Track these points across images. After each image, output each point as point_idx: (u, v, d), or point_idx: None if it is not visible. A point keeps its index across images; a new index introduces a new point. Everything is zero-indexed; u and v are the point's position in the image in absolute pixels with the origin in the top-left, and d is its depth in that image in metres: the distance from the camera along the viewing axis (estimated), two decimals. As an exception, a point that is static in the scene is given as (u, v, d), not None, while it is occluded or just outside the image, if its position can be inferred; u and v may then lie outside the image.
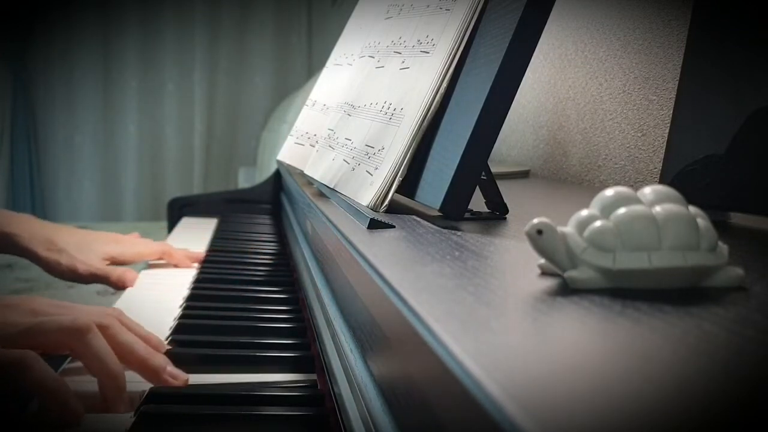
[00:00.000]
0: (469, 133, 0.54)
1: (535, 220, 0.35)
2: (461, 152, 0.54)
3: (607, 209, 0.35)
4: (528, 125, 1.28)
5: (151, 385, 0.57)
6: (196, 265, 1.04)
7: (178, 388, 0.57)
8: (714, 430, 0.19)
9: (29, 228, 0.93)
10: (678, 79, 0.68)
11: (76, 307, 0.62)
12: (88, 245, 0.95)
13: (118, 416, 0.53)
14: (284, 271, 1.01)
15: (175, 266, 1.03)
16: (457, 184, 0.55)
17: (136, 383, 0.58)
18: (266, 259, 1.08)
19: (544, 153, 1.20)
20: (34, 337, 0.54)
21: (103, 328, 0.58)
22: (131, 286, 0.93)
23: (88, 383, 0.56)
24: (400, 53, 0.71)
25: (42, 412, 0.51)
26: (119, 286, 0.92)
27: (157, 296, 0.87)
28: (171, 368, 0.59)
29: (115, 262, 1.00)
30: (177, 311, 0.78)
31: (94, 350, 0.55)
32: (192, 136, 3.36)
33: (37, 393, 0.51)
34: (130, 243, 1.04)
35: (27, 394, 0.52)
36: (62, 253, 0.91)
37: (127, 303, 0.85)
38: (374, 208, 0.60)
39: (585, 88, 1.06)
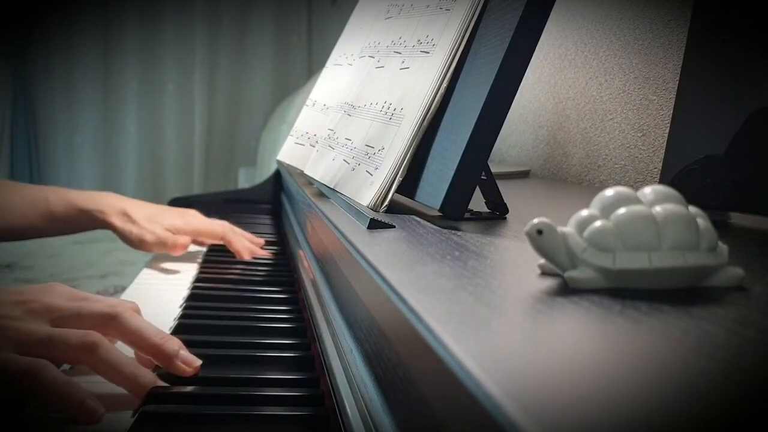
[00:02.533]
0: (469, 133, 0.54)
1: (535, 220, 0.35)
2: (461, 152, 0.54)
3: (607, 209, 0.35)
4: (528, 125, 1.28)
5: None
6: (260, 252, 1.09)
7: (177, 388, 0.57)
8: (714, 430, 0.19)
9: (108, 203, 1.06)
10: (678, 79, 0.68)
11: (90, 297, 0.62)
12: (156, 217, 1.07)
13: (118, 416, 0.53)
14: (284, 271, 1.01)
15: (236, 253, 1.07)
16: (457, 184, 0.55)
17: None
18: (266, 259, 1.08)
19: (544, 153, 1.20)
20: (46, 351, 0.55)
21: (115, 317, 0.59)
22: (180, 252, 1.04)
23: (98, 383, 0.56)
24: (400, 53, 0.71)
25: (43, 412, 0.51)
26: (172, 251, 1.04)
27: (157, 296, 0.87)
28: (184, 353, 0.59)
29: (177, 233, 1.07)
30: (177, 311, 0.78)
31: (106, 363, 0.56)
32: (192, 136, 3.36)
33: (50, 399, 0.52)
34: (193, 218, 1.11)
35: (38, 399, 0.52)
36: (135, 225, 1.04)
37: (127, 303, 0.85)
38: (374, 208, 0.60)
39: (585, 88, 1.06)
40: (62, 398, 0.52)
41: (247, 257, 1.06)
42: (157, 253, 1.06)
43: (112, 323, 0.59)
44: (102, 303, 0.62)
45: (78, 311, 0.59)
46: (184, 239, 1.05)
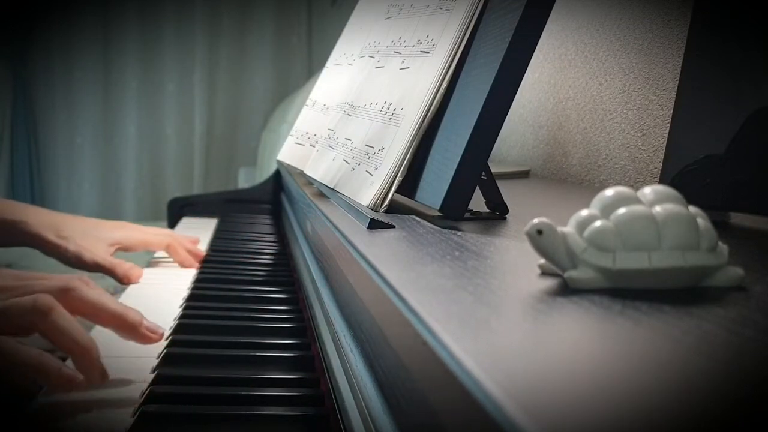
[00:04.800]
0: (469, 133, 0.54)
1: (535, 220, 0.35)
2: (461, 152, 0.54)
3: (607, 209, 0.35)
4: (528, 125, 1.28)
5: (151, 385, 0.57)
6: (196, 265, 1.04)
7: (177, 388, 0.57)
8: (714, 430, 0.19)
9: (37, 215, 0.93)
10: (678, 79, 0.68)
11: (40, 276, 0.60)
12: (94, 232, 0.96)
13: (118, 416, 0.53)
14: (284, 271, 1.00)
15: (179, 263, 1.03)
16: (457, 184, 0.55)
17: (138, 383, 0.58)
18: (266, 259, 1.08)
19: (544, 153, 1.20)
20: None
21: (70, 290, 0.57)
22: (136, 282, 0.93)
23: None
24: (400, 53, 0.71)
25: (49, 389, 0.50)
26: (124, 282, 0.93)
27: (157, 296, 0.87)
28: (147, 322, 0.58)
29: (122, 248, 1.00)
30: (177, 311, 0.78)
31: (60, 327, 0.53)
32: (192, 136, 3.35)
33: (27, 372, 0.50)
34: (137, 229, 1.04)
35: (18, 376, 0.51)
36: (69, 240, 0.92)
37: (126, 303, 0.85)
38: (374, 208, 0.60)
39: (585, 88, 1.06)
40: (39, 369, 0.50)
41: (191, 265, 1.02)
42: (94, 273, 0.94)
43: (69, 296, 0.57)
44: (54, 278, 0.59)
45: (31, 287, 0.57)
46: (137, 270, 0.94)
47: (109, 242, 0.97)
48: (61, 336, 0.53)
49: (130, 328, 0.57)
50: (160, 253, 1.10)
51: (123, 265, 0.93)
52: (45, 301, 0.53)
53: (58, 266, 0.95)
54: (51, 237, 0.91)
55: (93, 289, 0.59)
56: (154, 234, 1.04)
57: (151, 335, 0.58)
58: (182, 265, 1.03)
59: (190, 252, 1.04)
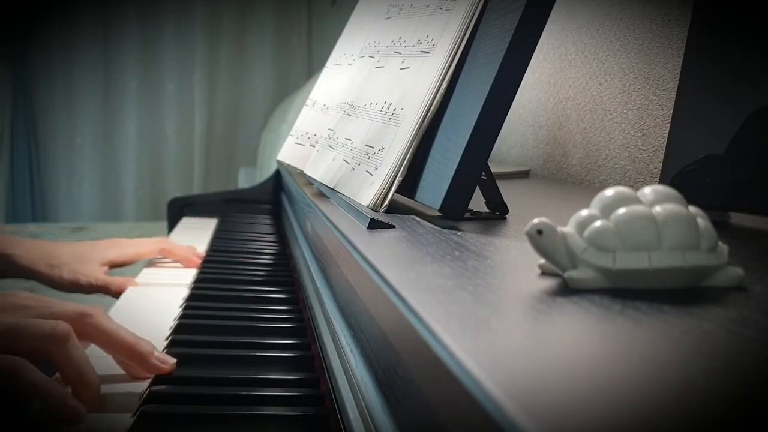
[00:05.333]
0: (469, 133, 0.54)
1: (535, 220, 0.35)
2: (461, 152, 0.54)
3: (607, 209, 0.35)
4: (528, 125, 1.28)
5: (151, 385, 0.57)
6: (197, 262, 1.04)
7: (177, 388, 0.57)
8: (714, 430, 0.19)
9: (27, 247, 0.94)
10: (678, 79, 0.68)
11: (58, 303, 0.61)
12: (86, 256, 0.96)
13: (118, 416, 0.53)
14: (284, 271, 1.00)
15: (179, 262, 1.04)
16: (457, 184, 0.55)
17: (137, 384, 0.58)
18: (266, 259, 1.08)
19: (544, 153, 1.20)
20: (13, 340, 0.53)
21: (88, 317, 0.57)
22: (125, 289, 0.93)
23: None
24: (400, 53, 0.71)
25: (43, 414, 0.51)
26: (119, 296, 0.93)
27: (157, 296, 0.87)
28: (158, 353, 0.59)
29: (116, 264, 1.01)
30: (177, 311, 0.78)
31: (73, 359, 0.54)
32: (192, 136, 3.36)
33: (33, 396, 0.51)
34: (128, 244, 1.04)
35: (23, 397, 0.51)
36: (63, 268, 0.93)
37: (127, 303, 0.85)
38: (374, 208, 0.60)
39: (585, 88, 1.06)
40: (45, 396, 0.51)
41: (192, 261, 1.02)
42: (91, 294, 0.96)
43: (86, 322, 0.57)
44: (71, 305, 0.60)
45: (50, 309, 0.58)
46: (130, 283, 0.94)
47: (102, 262, 0.98)
48: (71, 368, 0.54)
49: (140, 358, 0.58)
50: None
51: (116, 281, 0.94)
52: (63, 328, 0.54)
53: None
54: (44, 269, 0.92)
55: (110, 320, 0.60)
56: (147, 244, 1.05)
57: (161, 366, 0.58)
58: (183, 263, 1.03)
59: (187, 257, 1.04)
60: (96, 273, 0.95)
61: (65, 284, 0.93)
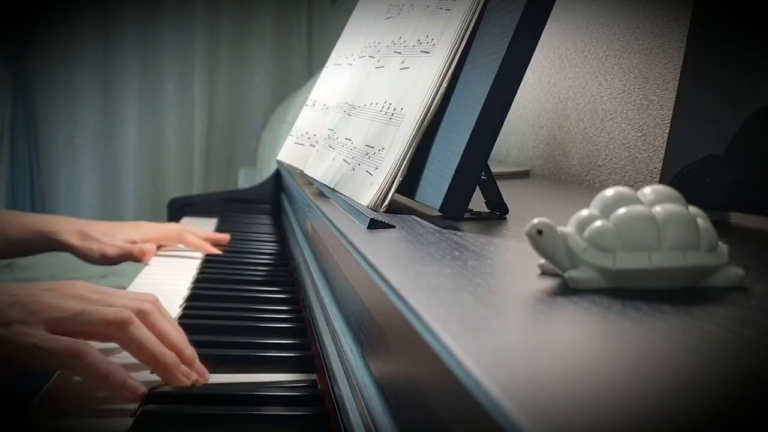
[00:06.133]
0: (469, 133, 0.54)
1: (535, 220, 0.35)
2: (461, 152, 0.54)
3: (607, 209, 0.35)
4: (528, 125, 1.28)
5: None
6: (222, 238, 1.13)
7: (177, 388, 0.57)
8: (714, 430, 0.19)
9: (62, 224, 1.06)
10: (678, 79, 0.68)
11: (116, 292, 0.63)
12: (112, 232, 1.08)
13: (118, 416, 0.53)
14: (284, 271, 1.00)
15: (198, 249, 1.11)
16: (457, 184, 0.55)
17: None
18: (266, 259, 1.08)
19: (544, 153, 1.20)
20: (79, 325, 0.56)
21: (144, 314, 0.59)
22: (149, 258, 1.05)
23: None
24: (400, 53, 0.71)
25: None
26: (141, 259, 1.05)
27: (157, 296, 0.87)
28: (199, 364, 0.60)
29: (137, 243, 1.09)
30: (177, 311, 0.78)
31: (138, 340, 0.57)
32: (192, 136, 3.36)
33: (94, 379, 0.53)
34: (149, 228, 1.13)
35: (86, 377, 0.54)
36: (93, 241, 1.05)
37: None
38: (374, 208, 0.60)
39: (585, 88, 1.06)
40: (106, 378, 0.53)
41: (209, 250, 1.09)
42: (121, 264, 1.07)
43: (143, 320, 0.59)
44: (131, 296, 0.62)
45: (109, 301, 0.60)
46: (149, 246, 1.06)
47: (126, 239, 1.08)
48: (137, 348, 0.57)
49: (185, 364, 0.59)
50: (161, 252, 1.11)
51: (135, 246, 1.05)
52: (124, 314, 0.57)
53: (61, 266, 1.01)
54: (78, 242, 1.04)
55: (165, 317, 0.62)
56: (165, 228, 1.14)
57: (198, 378, 0.59)
58: (201, 250, 1.10)
59: (206, 239, 1.12)
60: (120, 244, 1.06)
61: (95, 257, 1.04)
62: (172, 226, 1.16)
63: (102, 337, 0.58)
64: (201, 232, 1.15)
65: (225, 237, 1.15)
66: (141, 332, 0.57)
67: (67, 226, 1.05)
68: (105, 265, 1.06)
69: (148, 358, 0.57)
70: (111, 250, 1.04)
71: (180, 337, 0.61)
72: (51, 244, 1.04)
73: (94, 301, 0.60)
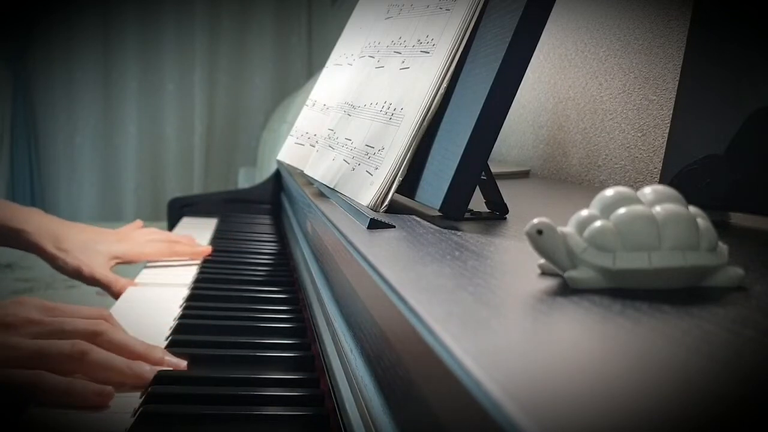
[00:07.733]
0: (469, 133, 0.54)
1: (535, 220, 0.35)
2: (461, 152, 0.54)
3: (607, 209, 0.35)
4: (528, 125, 1.28)
5: (151, 385, 0.57)
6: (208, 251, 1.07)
7: (177, 388, 0.57)
8: (714, 430, 0.19)
9: (37, 223, 0.94)
10: (678, 79, 0.68)
11: (67, 311, 0.62)
12: (93, 246, 0.97)
13: (118, 416, 0.53)
14: (284, 271, 1.00)
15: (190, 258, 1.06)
16: (457, 184, 0.55)
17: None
18: (266, 259, 1.08)
19: (544, 153, 1.20)
20: (38, 364, 0.55)
21: (97, 335, 0.59)
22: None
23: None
24: (400, 53, 0.71)
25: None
26: (118, 298, 0.91)
27: (157, 296, 0.87)
28: (169, 357, 0.60)
29: (122, 261, 1.01)
30: (177, 311, 0.78)
31: (100, 365, 0.56)
32: (192, 136, 3.36)
33: (57, 399, 0.53)
34: (135, 242, 1.05)
35: (49, 404, 0.53)
36: (68, 253, 0.93)
37: (127, 303, 0.85)
38: (374, 208, 0.60)
39: (585, 88, 1.06)
40: (66, 396, 0.53)
41: (203, 254, 1.05)
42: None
43: (97, 341, 0.59)
44: (83, 311, 0.62)
45: (61, 326, 0.59)
46: (130, 285, 0.93)
47: (109, 256, 0.98)
48: (101, 372, 0.56)
49: (153, 363, 0.59)
50: None
51: (119, 282, 0.93)
52: (81, 347, 0.56)
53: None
54: (50, 248, 0.93)
55: (118, 329, 0.62)
56: (149, 245, 1.05)
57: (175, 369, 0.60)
58: (194, 258, 1.05)
59: (194, 253, 1.06)
60: (101, 267, 0.95)
61: (68, 270, 0.93)
62: (157, 244, 1.05)
63: (65, 372, 0.55)
64: (189, 249, 1.07)
65: (208, 249, 1.07)
66: (100, 356, 0.56)
67: (41, 227, 0.94)
68: (77, 280, 0.94)
69: (117, 376, 0.56)
70: (86, 271, 0.92)
71: (139, 344, 0.60)
72: (21, 243, 0.93)
73: (45, 324, 0.58)
